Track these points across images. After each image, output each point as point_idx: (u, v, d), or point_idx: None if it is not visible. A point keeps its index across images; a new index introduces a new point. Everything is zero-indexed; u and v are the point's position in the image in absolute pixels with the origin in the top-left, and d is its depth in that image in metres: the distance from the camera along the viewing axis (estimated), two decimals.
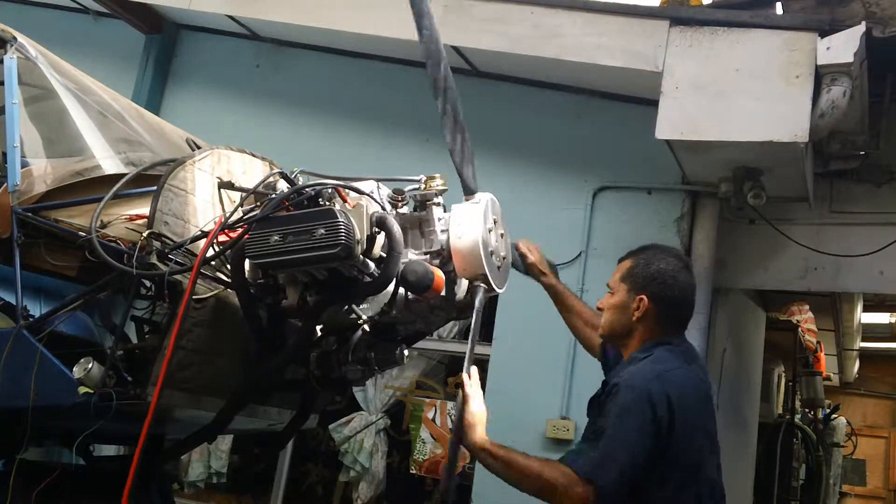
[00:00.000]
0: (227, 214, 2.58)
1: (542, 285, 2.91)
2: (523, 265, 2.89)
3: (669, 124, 3.80)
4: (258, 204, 2.49)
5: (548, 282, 2.89)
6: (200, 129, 4.14)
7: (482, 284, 2.30)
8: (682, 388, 2.22)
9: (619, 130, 4.69)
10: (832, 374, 9.51)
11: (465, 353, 2.28)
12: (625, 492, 2.12)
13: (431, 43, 2.31)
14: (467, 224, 2.29)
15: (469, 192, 2.36)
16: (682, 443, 2.17)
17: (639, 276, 2.39)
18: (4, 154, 2.88)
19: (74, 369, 2.45)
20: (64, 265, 2.78)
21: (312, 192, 2.36)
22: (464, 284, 2.36)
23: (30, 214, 2.74)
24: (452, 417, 5.17)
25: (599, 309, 2.51)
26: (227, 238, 2.51)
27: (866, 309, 7.63)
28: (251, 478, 6.08)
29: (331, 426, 5.53)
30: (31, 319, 2.70)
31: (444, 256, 2.35)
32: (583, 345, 2.89)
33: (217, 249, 2.50)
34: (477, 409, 2.25)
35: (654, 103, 3.88)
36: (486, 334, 4.84)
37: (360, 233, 2.23)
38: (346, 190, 2.37)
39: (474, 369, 2.29)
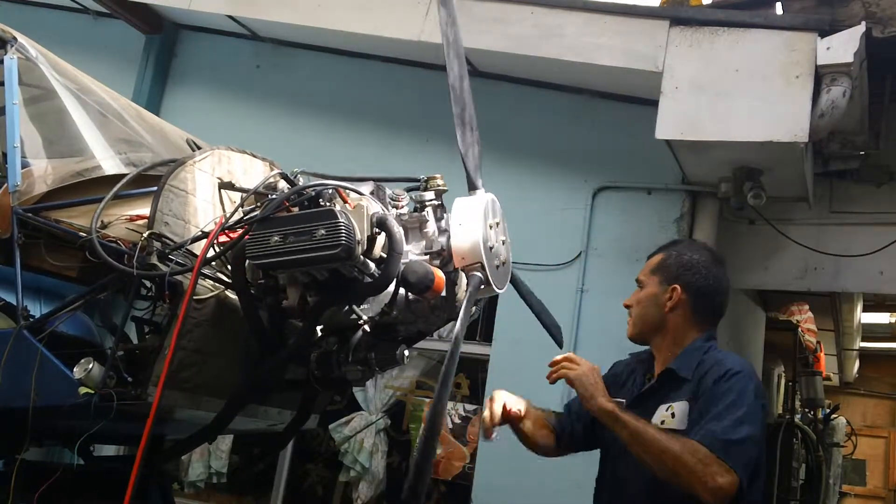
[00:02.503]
0: (228, 215, 2.58)
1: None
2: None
3: (669, 124, 3.81)
4: (259, 204, 2.49)
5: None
6: (200, 129, 4.14)
7: (478, 274, 2.28)
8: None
9: (619, 130, 4.69)
10: (832, 374, 9.52)
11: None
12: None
13: (458, 82, 2.33)
14: (468, 214, 2.29)
15: (473, 187, 2.37)
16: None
17: (671, 266, 2.36)
18: (5, 154, 2.88)
19: (75, 370, 2.44)
20: (64, 265, 2.77)
21: (313, 193, 2.36)
22: (464, 284, 2.36)
23: (30, 215, 2.73)
24: (453, 418, 5.17)
25: (626, 306, 2.46)
26: (227, 238, 2.51)
27: (866, 309, 7.64)
28: (251, 478, 6.08)
29: (331, 426, 5.53)
30: (31, 320, 2.69)
31: (444, 257, 2.35)
32: (539, 450, 2.71)
33: (217, 250, 2.50)
34: (589, 368, 2.30)
35: (654, 103, 3.89)
36: (486, 334, 4.84)
37: (361, 233, 2.22)
38: (347, 190, 2.37)
39: None
